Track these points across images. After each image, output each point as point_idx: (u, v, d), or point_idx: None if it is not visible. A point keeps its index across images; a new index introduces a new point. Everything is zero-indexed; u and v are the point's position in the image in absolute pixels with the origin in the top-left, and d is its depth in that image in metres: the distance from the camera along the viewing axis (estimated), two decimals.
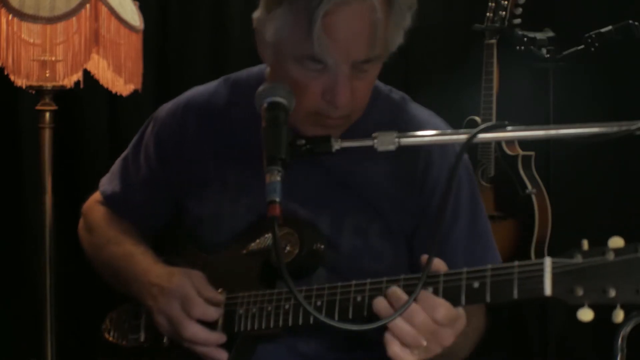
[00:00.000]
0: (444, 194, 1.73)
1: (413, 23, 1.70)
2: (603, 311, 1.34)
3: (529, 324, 3.83)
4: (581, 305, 1.35)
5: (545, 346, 3.35)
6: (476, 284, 1.46)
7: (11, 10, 2.59)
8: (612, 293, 1.33)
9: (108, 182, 2.05)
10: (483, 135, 1.50)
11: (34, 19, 2.60)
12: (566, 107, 3.31)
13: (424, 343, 1.47)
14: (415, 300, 1.46)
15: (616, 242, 1.35)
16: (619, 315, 1.33)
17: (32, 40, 2.67)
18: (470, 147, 1.52)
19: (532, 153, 3.48)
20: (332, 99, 1.64)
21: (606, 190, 3.79)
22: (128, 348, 1.91)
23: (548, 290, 1.38)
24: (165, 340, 1.80)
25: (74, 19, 2.61)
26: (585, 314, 1.34)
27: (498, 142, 3.42)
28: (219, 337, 1.71)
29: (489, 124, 1.52)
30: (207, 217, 1.85)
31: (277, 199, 1.43)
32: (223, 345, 1.71)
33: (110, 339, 1.95)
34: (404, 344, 1.47)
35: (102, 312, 2.05)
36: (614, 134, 1.43)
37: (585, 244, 1.37)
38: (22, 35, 2.65)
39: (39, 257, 2.79)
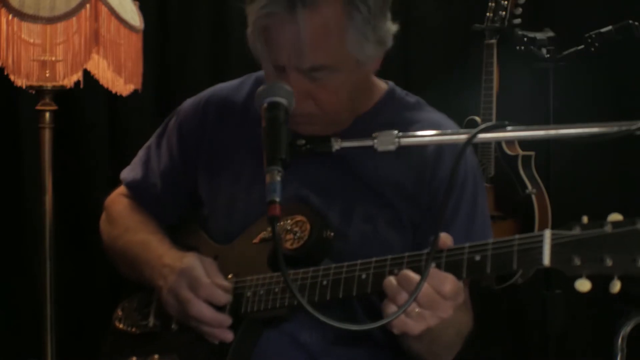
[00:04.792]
0: (445, 192, 1.75)
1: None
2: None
3: (529, 324, 3.83)
4: (579, 276, 1.38)
5: (545, 346, 3.35)
6: (477, 257, 1.50)
7: (11, 10, 2.59)
8: (609, 262, 1.36)
9: (130, 170, 2.09)
10: (483, 135, 1.50)
11: (34, 19, 2.59)
12: (566, 107, 3.31)
13: (416, 310, 1.51)
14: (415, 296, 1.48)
15: (615, 216, 1.38)
16: (615, 286, 1.36)
17: (32, 40, 2.67)
18: (470, 147, 1.52)
19: (532, 153, 3.48)
20: None
21: (606, 190, 3.80)
22: (137, 334, 1.92)
23: (547, 260, 1.41)
24: (173, 325, 1.83)
25: (74, 19, 2.61)
26: (583, 285, 1.37)
27: (498, 142, 3.42)
28: (224, 318, 1.73)
29: (489, 124, 1.52)
30: (220, 207, 1.90)
31: (277, 199, 1.44)
32: (230, 327, 1.74)
33: (121, 326, 1.96)
34: (397, 305, 1.51)
35: (102, 311, 2.06)
36: (614, 134, 1.43)
37: (585, 219, 1.41)
38: (22, 35, 2.65)
39: (39, 257, 2.79)
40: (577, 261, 1.38)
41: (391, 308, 1.52)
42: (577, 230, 1.40)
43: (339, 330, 1.74)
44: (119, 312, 1.99)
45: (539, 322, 3.52)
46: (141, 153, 2.08)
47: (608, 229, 1.38)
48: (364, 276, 1.61)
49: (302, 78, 1.70)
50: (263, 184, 1.81)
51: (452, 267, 1.52)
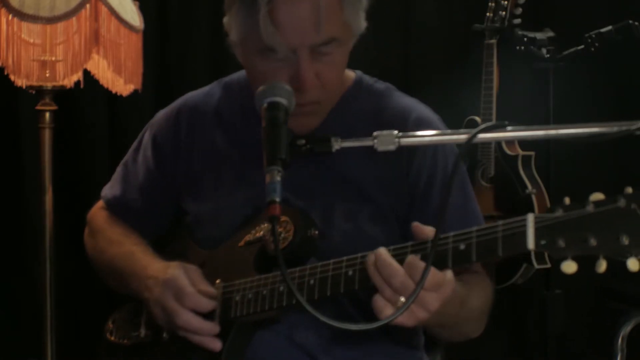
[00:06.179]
0: (444, 194, 1.77)
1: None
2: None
3: (529, 324, 3.83)
4: (564, 258, 1.37)
5: (545, 346, 3.36)
6: (462, 246, 1.49)
7: (11, 10, 2.59)
8: (593, 242, 1.35)
9: (109, 188, 2.10)
10: (483, 135, 1.50)
11: (34, 19, 2.59)
12: (566, 107, 3.31)
13: (402, 299, 1.49)
14: (404, 267, 1.49)
15: (597, 196, 1.38)
16: (601, 266, 1.34)
17: (32, 40, 2.67)
18: (470, 147, 1.52)
19: (532, 153, 3.48)
20: (298, 86, 1.69)
21: (606, 191, 3.79)
22: (129, 346, 1.92)
23: (531, 244, 1.41)
24: (165, 335, 1.82)
25: (74, 19, 2.61)
26: (569, 267, 1.37)
27: (498, 142, 3.42)
28: (212, 326, 1.73)
29: (489, 124, 1.52)
30: (205, 214, 1.90)
31: (277, 199, 1.43)
32: (220, 334, 1.73)
33: (113, 338, 1.96)
34: (385, 298, 1.51)
35: (102, 311, 2.06)
36: (614, 134, 1.43)
37: (567, 200, 1.40)
38: (22, 35, 2.65)
39: (39, 257, 2.79)
40: (561, 243, 1.37)
41: (380, 302, 1.51)
42: (559, 212, 1.39)
43: (335, 329, 1.75)
44: (110, 325, 1.99)
45: (539, 322, 3.52)
46: (119, 169, 2.08)
47: (590, 208, 1.37)
48: (350, 273, 1.60)
49: (314, 58, 1.70)
50: (245, 188, 1.83)
51: (437, 257, 1.50)
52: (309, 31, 1.68)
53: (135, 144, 2.06)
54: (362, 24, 1.77)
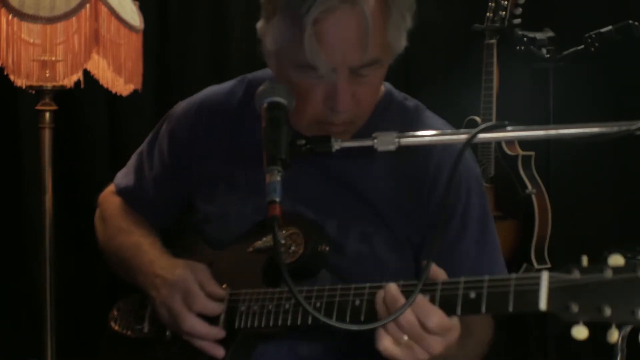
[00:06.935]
0: (443, 194, 1.74)
1: (414, 23, 1.70)
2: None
3: (529, 323, 3.83)
4: (575, 323, 1.33)
5: (545, 345, 3.36)
6: (473, 295, 1.45)
7: (11, 10, 2.59)
8: (608, 312, 1.31)
9: (123, 176, 2.07)
10: (483, 135, 1.50)
11: (34, 19, 2.59)
12: (566, 107, 3.31)
13: (405, 338, 1.47)
14: (410, 304, 1.45)
15: (616, 260, 1.32)
16: (613, 335, 1.30)
17: (32, 40, 2.67)
18: (470, 147, 1.52)
19: (532, 153, 3.49)
20: (333, 105, 1.65)
21: (606, 190, 3.80)
22: (132, 338, 1.91)
23: (543, 305, 1.36)
24: (168, 333, 1.81)
25: (74, 19, 2.61)
26: (580, 332, 1.33)
27: (498, 142, 3.42)
28: (217, 332, 1.71)
29: (489, 124, 1.52)
30: (215, 216, 1.87)
31: (277, 199, 1.43)
32: (223, 342, 1.71)
33: (117, 327, 1.95)
34: (387, 332, 1.48)
35: (102, 311, 2.05)
36: (614, 134, 1.43)
37: (584, 260, 1.35)
38: (22, 35, 2.65)
39: (39, 257, 2.79)
40: (574, 308, 1.33)
41: (381, 333, 1.48)
42: (576, 274, 1.34)
43: (338, 343, 1.73)
44: (115, 312, 1.98)
45: (539, 322, 3.52)
46: (134, 158, 2.05)
47: (608, 274, 1.31)
48: (357, 302, 1.56)
49: (352, 79, 1.65)
50: (257, 196, 1.75)
51: (446, 302, 1.46)
52: (354, 52, 1.62)
53: (152, 134, 2.02)
54: (403, 43, 1.70)
